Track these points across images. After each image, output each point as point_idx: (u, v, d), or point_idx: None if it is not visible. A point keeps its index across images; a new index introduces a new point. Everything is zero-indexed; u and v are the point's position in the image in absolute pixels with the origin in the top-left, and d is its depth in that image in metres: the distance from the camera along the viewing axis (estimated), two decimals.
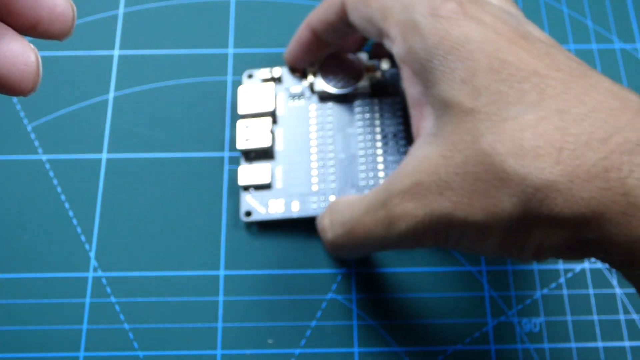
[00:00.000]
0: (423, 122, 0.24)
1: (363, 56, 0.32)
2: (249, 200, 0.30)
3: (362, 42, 0.32)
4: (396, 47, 0.24)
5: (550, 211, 0.19)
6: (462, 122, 0.21)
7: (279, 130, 0.31)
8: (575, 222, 0.19)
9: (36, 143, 0.32)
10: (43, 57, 0.33)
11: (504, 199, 0.20)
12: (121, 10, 0.35)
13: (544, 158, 0.19)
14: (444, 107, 0.22)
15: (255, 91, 0.31)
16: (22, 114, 0.32)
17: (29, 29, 0.17)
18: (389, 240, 0.24)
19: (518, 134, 0.20)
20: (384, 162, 0.30)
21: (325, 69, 0.31)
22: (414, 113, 0.24)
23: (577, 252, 0.20)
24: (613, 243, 0.19)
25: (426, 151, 0.22)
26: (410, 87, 0.24)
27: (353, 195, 0.27)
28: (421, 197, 0.22)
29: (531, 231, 0.20)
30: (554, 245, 0.20)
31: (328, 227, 0.27)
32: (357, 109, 0.31)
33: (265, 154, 0.31)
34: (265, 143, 0.30)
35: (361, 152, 0.30)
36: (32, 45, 0.17)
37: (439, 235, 0.22)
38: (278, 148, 0.31)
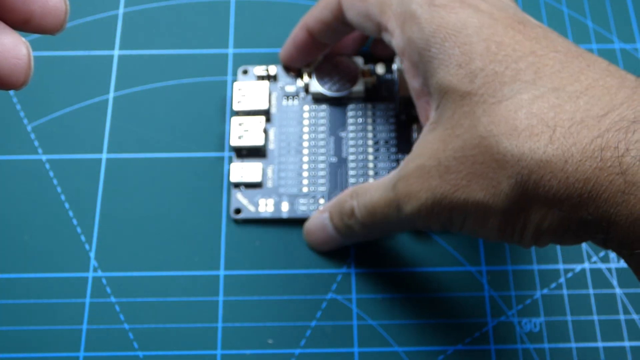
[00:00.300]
0: (428, 112, 0.24)
1: (359, 60, 0.32)
2: (239, 198, 0.30)
3: (358, 46, 0.32)
4: (395, 40, 0.24)
5: (546, 192, 0.19)
6: (460, 106, 0.22)
7: (272, 129, 0.31)
8: (571, 203, 0.19)
9: (36, 143, 0.32)
10: (43, 57, 0.33)
11: (502, 181, 0.20)
12: (121, 10, 0.35)
13: (537, 137, 0.19)
14: (443, 94, 0.22)
15: (250, 88, 0.31)
16: (22, 114, 0.32)
17: (22, 23, 0.17)
18: (401, 220, 0.24)
19: (512, 114, 0.20)
20: (375, 168, 0.30)
21: (321, 71, 0.31)
22: (419, 104, 0.25)
23: (575, 235, 0.20)
24: (612, 223, 0.18)
25: (429, 137, 0.23)
26: (412, 79, 0.24)
27: (374, 181, 0.27)
28: (423, 180, 0.23)
29: (529, 213, 0.20)
30: (552, 227, 0.20)
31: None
32: (351, 113, 0.31)
33: (257, 152, 0.31)
34: (258, 141, 0.30)
35: (352, 157, 0.30)
36: (24, 39, 0.17)
37: (442, 217, 0.23)
38: (270, 147, 0.31)
